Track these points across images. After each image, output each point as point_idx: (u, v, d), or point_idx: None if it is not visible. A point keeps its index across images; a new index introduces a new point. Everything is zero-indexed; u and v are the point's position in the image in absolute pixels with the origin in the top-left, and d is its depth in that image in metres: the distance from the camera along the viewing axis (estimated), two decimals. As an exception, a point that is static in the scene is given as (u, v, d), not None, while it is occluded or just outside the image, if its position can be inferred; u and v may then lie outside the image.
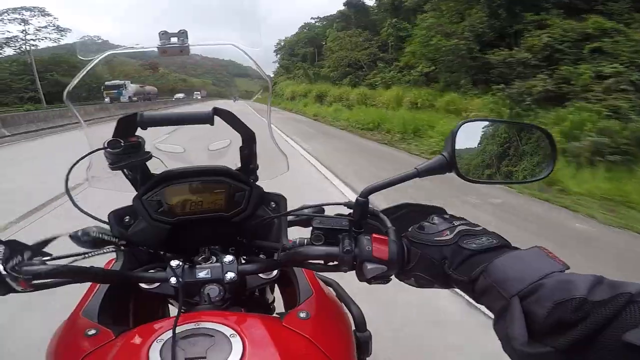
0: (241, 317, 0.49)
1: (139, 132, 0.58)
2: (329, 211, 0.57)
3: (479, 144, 0.52)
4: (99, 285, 0.61)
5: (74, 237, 0.66)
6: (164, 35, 0.56)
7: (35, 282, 0.46)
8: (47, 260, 0.50)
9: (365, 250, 0.46)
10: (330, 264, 0.52)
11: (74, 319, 0.57)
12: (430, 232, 0.44)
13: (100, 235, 0.66)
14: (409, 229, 0.48)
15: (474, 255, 0.39)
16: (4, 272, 0.43)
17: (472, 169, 0.52)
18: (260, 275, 0.62)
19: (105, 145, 0.53)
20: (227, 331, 0.43)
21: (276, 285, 0.74)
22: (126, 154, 0.55)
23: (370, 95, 15.03)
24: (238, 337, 0.42)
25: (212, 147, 0.69)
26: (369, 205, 0.51)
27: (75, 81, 0.55)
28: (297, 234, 0.61)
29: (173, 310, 0.77)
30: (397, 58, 16.35)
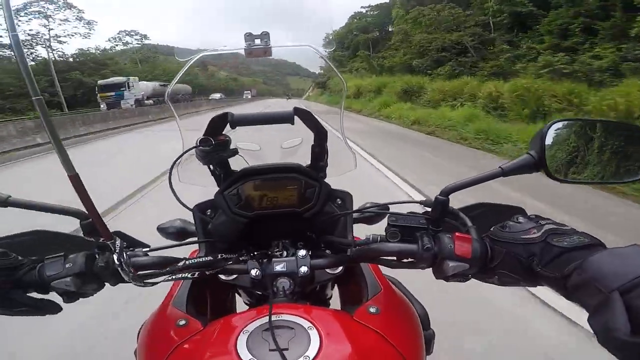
0: (316, 310, 0.52)
1: (226, 131, 0.62)
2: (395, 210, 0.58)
3: (568, 143, 0.50)
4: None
5: (161, 229, 0.74)
6: (249, 37, 0.59)
7: (140, 273, 0.51)
8: (147, 251, 0.56)
9: (447, 248, 0.47)
10: (405, 260, 0.53)
11: (165, 309, 0.61)
12: (515, 231, 0.45)
13: (185, 228, 0.74)
14: (491, 228, 0.48)
15: (565, 253, 0.39)
16: (117, 263, 0.48)
17: (561, 169, 0.50)
18: (327, 270, 0.64)
19: (198, 144, 0.58)
20: (305, 324, 0.45)
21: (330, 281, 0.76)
22: (215, 151, 0.60)
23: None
24: (315, 330, 0.44)
25: (284, 145, 0.72)
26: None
27: (173, 83, 0.61)
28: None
29: (239, 301, 0.83)
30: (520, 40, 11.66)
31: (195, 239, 0.67)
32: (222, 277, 0.61)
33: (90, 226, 0.52)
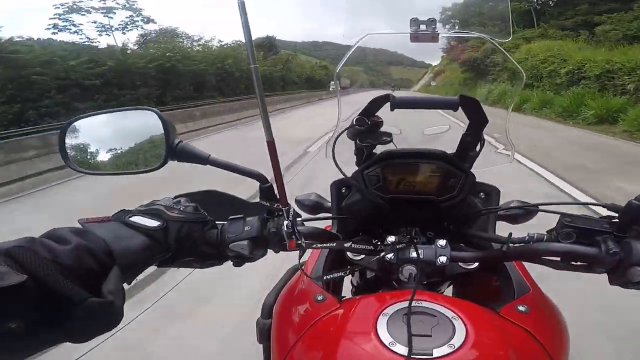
0: (459, 302, 0.50)
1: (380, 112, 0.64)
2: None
3: None
4: (320, 250, 0.68)
5: (298, 201, 0.80)
6: (415, 22, 0.59)
7: (299, 242, 0.51)
8: (301, 221, 0.57)
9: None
10: (574, 263, 0.49)
11: (302, 281, 0.62)
12: None
13: (319, 202, 0.78)
14: None
15: None
16: (287, 230, 0.49)
17: None
18: (461, 264, 0.61)
19: (354, 122, 0.61)
20: (449, 313, 0.44)
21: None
22: (369, 131, 0.62)
23: None
24: (460, 321, 0.42)
25: (427, 132, 0.71)
26: None
27: (342, 62, 0.64)
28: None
29: (346, 285, 0.83)
30: None
31: (329, 215, 0.71)
32: (350, 255, 0.62)
33: (267, 191, 0.53)
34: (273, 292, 0.66)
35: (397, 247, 0.57)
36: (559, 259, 0.50)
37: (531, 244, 0.52)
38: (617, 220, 0.48)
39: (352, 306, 0.49)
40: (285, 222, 0.51)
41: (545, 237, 0.51)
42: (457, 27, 0.67)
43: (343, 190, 0.69)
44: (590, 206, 2.36)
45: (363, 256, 0.62)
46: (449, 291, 0.79)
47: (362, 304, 0.50)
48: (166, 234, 0.45)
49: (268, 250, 0.54)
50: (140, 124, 0.54)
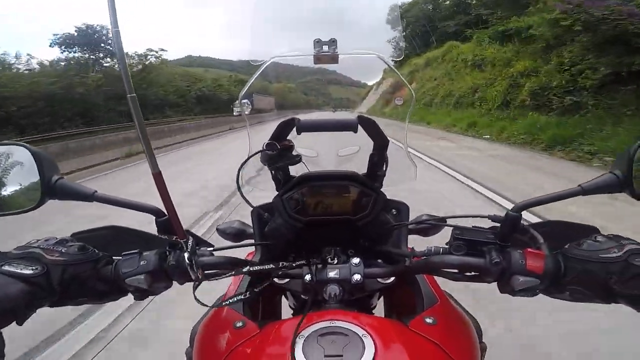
0: (370, 318, 0.51)
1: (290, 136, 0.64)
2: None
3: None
4: (241, 277, 0.67)
5: (220, 230, 0.77)
6: (318, 43, 0.60)
7: (206, 272, 0.51)
8: (212, 250, 0.57)
9: (518, 264, 0.47)
10: (468, 274, 0.52)
11: (222, 310, 0.61)
12: (593, 249, 0.45)
13: (243, 230, 0.76)
14: (566, 246, 0.48)
15: None
16: (188, 262, 0.48)
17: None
18: (379, 279, 0.63)
19: (264, 147, 0.61)
20: (359, 331, 0.45)
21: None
22: (279, 155, 0.62)
23: None
24: (370, 338, 0.43)
25: (341, 153, 0.73)
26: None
27: (246, 87, 0.63)
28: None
29: (284, 305, 0.83)
30: None
31: (252, 240, 0.69)
32: (276, 280, 0.62)
33: (165, 224, 0.52)
34: (199, 321, 0.64)
35: (313, 268, 0.57)
36: (456, 270, 0.53)
37: (430, 257, 0.54)
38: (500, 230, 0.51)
39: (271, 331, 0.50)
40: (187, 255, 0.49)
41: (442, 249, 0.54)
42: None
43: (265, 216, 0.69)
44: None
45: (288, 280, 0.62)
46: (381, 304, 0.81)
47: (281, 328, 0.50)
48: (48, 279, 0.43)
49: (174, 282, 0.53)
50: (10, 160, 0.48)
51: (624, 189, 0.46)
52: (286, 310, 0.83)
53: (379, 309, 0.81)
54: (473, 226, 0.54)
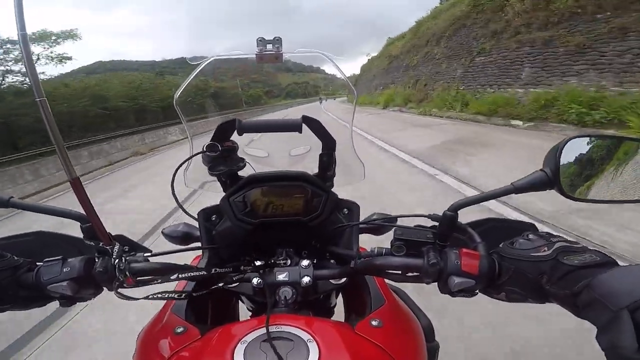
0: (317, 322, 0.51)
1: (234, 137, 0.63)
2: (404, 222, 0.57)
3: (585, 160, 0.48)
4: (186, 283, 0.65)
5: (166, 234, 0.74)
6: (261, 42, 0.59)
7: (140, 278, 0.50)
8: (148, 256, 0.55)
9: (454, 264, 0.46)
10: (410, 274, 0.52)
11: (164, 315, 0.60)
12: (525, 248, 0.45)
13: (189, 233, 0.74)
14: (500, 245, 0.48)
15: (576, 271, 0.39)
16: (116, 269, 0.48)
17: (576, 187, 0.48)
18: (331, 280, 0.63)
19: (204, 149, 0.59)
20: (305, 336, 0.44)
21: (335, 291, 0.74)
22: (222, 157, 0.60)
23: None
24: (315, 343, 0.43)
25: (293, 153, 0.72)
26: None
27: (183, 86, 0.61)
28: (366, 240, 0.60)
29: (242, 308, 0.81)
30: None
31: (199, 244, 0.67)
32: (226, 284, 0.60)
33: (92, 230, 0.51)
34: (144, 327, 0.62)
35: (260, 271, 0.56)
36: (399, 271, 0.52)
37: (374, 259, 0.54)
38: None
39: (213, 336, 0.49)
40: (114, 261, 0.48)
41: (385, 250, 0.54)
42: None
43: (213, 218, 0.67)
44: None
45: (238, 283, 0.60)
46: (340, 304, 0.81)
47: (223, 333, 0.49)
48: None
49: (105, 289, 0.51)
50: None
51: (553, 187, 0.47)
52: (245, 314, 0.82)
53: (340, 308, 0.81)
54: (416, 225, 0.54)
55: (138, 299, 0.51)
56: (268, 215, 0.65)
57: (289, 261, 0.63)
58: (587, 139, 0.48)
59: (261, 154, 0.70)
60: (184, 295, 0.54)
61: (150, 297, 0.52)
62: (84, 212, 0.48)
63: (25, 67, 0.37)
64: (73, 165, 0.42)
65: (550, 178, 0.46)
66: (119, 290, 0.49)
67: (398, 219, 0.63)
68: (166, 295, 0.53)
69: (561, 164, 0.45)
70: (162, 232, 0.73)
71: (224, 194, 0.64)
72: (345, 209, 0.68)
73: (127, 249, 0.53)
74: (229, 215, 0.64)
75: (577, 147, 0.47)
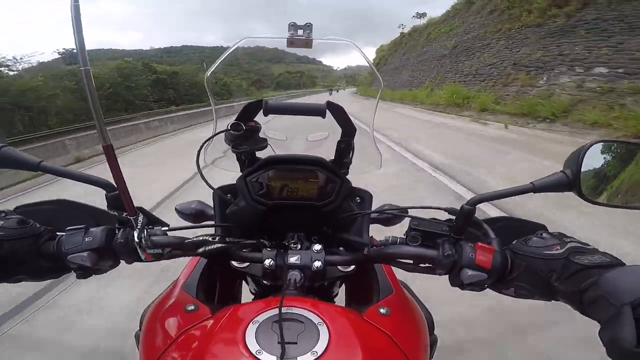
0: (327, 306, 0.51)
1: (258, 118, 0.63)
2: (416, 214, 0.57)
3: (607, 165, 0.48)
4: (198, 259, 0.65)
5: (178, 211, 0.75)
6: (292, 26, 0.59)
7: (156, 252, 0.50)
8: (166, 230, 0.55)
9: (468, 257, 0.47)
10: (422, 265, 0.53)
11: (174, 292, 0.60)
12: (538, 246, 0.46)
13: (203, 210, 0.74)
14: (514, 242, 0.49)
15: (585, 270, 0.40)
16: (136, 241, 0.47)
17: (596, 191, 0.48)
18: (340, 267, 0.64)
19: (229, 127, 0.59)
20: (316, 319, 0.45)
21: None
22: (245, 137, 0.61)
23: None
24: (325, 326, 0.44)
25: (310, 138, 0.72)
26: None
27: (214, 66, 0.61)
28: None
29: (245, 290, 0.82)
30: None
31: (211, 222, 0.68)
32: (235, 263, 0.61)
33: (116, 199, 0.50)
34: (151, 304, 0.62)
35: (273, 252, 0.57)
36: (411, 261, 0.53)
37: (388, 247, 0.55)
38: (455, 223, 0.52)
39: (224, 315, 0.49)
40: (136, 233, 0.47)
41: (399, 240, 0.55)
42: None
43: (228, 197, 0.67)
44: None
45: (248, 264, 0.61)
46: (342, 292, 0.82)
47: (234, 313, 0.49)
48: None
49: (121, 261, 0.51)
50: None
51: (572, 189, 0.47)
52: (247, 296, 0.83)
53: (341, 298, 0.82)
54: (431, 218, 0.55)
55: (163, 256, 0.50)
56: (282, 197, 0.65)
57: (299, 245, 0.64)
58: (612, 144, 0.48)
59: (280, 137, 0.70)
60: (206, 250, 0.54)
61: (173, 252, 0.52)
62: (110, 181, 0.49)
63: (74, 36, 0.37)
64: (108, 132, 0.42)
65: (571, 180, 0.47)
66: (147, 250, 0.48)
67: (410, 210, 0.63)
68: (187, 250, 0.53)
69: (584, 166, 0.45)
70: (175, 208, 0.74)
71: (234, 173, 0.64)
72: (358, 198, 0.69)
73: (147, 223, 0.53)
74: (245, 194, 0.64)
75: (599, 152, 0.47)
